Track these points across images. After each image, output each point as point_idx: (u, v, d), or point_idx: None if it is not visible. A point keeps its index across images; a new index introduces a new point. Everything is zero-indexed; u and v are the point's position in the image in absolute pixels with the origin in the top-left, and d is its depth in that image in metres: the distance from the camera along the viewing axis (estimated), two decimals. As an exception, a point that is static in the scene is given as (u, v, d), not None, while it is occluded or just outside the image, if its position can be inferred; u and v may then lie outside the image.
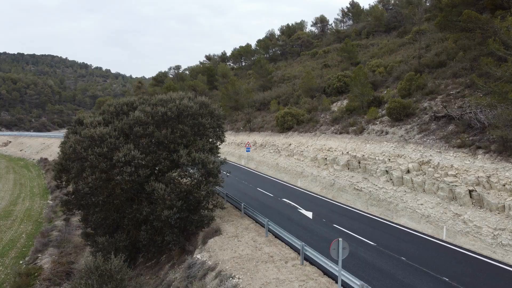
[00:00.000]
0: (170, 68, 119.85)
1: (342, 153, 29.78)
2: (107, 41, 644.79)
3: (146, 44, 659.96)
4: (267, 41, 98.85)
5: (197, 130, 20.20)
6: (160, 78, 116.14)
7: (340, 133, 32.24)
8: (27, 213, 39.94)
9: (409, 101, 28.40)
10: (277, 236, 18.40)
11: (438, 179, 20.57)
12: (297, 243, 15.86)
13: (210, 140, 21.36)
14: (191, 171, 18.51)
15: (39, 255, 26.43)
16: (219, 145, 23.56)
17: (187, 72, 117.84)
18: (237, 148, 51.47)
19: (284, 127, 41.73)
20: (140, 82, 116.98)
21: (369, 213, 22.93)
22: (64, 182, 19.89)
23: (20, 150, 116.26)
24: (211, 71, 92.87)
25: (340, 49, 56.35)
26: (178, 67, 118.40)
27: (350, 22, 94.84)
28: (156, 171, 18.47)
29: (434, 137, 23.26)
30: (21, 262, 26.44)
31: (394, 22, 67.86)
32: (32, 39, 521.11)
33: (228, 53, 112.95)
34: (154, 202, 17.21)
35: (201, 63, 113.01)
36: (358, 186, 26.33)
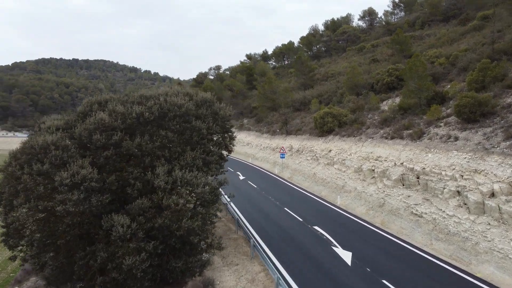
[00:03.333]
0: (210, 69, 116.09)
1: (395, 164, 23.13)
2: (156, 45, 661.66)
3: (193, 47, 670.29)
4: (310, 38, 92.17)
5: (189, 137, 14.63)
6: (200, 79, 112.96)
7: (392, 138, 25.51)
8: None
9: (486, 96, 21.27)
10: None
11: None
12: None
13: (211, 150, 15.66)
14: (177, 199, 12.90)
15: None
16: (227, 156, 17.91)
17: (227, 72, 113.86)
18: (272, 154, 45.69)
19: (323, 129, 35.39)
20: (179, 83, 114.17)
21: (434, 255, 16.28)
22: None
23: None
24: (250, 70, 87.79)
25: (391, 41, 48.89)
26: (218, 67, 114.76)
27: (402, 14, 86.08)
28: (123, 198, 13.10)
29: (530, 145, 16.23)
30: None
31: (453, 10, 59.47)
32: (87, 45, 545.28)
33: (270, 52, 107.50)
34: (114, 243, 11.85)
35: (241, 62, 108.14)
36: (417, 210, 19.65)
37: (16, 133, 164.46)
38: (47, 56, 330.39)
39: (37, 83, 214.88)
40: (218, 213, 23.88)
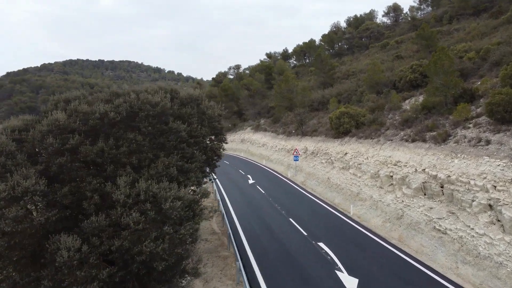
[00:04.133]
0: (230, 68, 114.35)
1: (416, 170, 20.36)
2: (180, 46, 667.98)
3: (218, 48, 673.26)
4: (332, 35, 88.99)
5: (164, 141, 12.48)
6: (219, 79, 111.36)
7: (413, 140, 22.70)
8: None
9: (524, 93, 18.25)
10: None
11: None
12: None
13: (192, 156, 13.43)
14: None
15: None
16: (216, 161, 15.68)
17: (247, 72, 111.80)
18: (286, 156, 43.26)
19: (339, 131, 32.71)
20: (198, 83, 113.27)
21: (460, 285, 13.57)
22: None
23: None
24: (269, 69, 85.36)
25: (416, 36, 45.56)
26: (237, 67, 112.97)
27: (429, 9, 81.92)
28: (79, 214, 11.02)
29: None
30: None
31: (484, 3, 55.51)
32: (112, 47, 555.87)
33: (291, 51, 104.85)
34: (59, 270, 9.81)
35: (261, 61, 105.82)
36: (440, 226, 16.92)
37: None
38: (74, 58, 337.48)
39: (63, 84, 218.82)
40: (214, 226, 21.83)
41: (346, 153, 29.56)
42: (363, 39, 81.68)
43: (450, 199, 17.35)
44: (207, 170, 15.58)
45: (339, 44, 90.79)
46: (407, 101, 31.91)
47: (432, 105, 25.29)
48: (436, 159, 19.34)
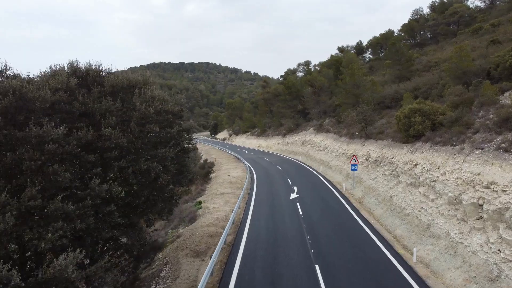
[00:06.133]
0: (299, 65, 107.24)
1: (522, 199, 12.53)
2: (259, 46, 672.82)
3: (296, 47, 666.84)
4: (413, 23, 78.16)
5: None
6: (287, 76, 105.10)
7: (518, 150, 14.70)
8: None
9: None
10: None
11: None
12: None
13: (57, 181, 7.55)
14: None
15: None
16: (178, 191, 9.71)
17: (317, 68, 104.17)
18: (346, 162, 35.97)
19: (408, 133, 24.91)
20: (265, 81, 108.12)
21: None
22: None
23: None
24: (339, 64, 77.10)
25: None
26: (307, 63, 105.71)
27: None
28: None
29: None
30: None
31: None
32: (193, 49, 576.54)
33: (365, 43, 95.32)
34: None
35: (331, 56, 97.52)
36: None
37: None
38: (157, 61, 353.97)
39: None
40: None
41: (416, 164, 21.88)
42: (450, 26, 70.18)
43: None
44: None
45: (421, 33, 79.74)
46: (506, 94, 23.26)
47: (549, 96, 16.85)
48: (562, 185, 11.41)
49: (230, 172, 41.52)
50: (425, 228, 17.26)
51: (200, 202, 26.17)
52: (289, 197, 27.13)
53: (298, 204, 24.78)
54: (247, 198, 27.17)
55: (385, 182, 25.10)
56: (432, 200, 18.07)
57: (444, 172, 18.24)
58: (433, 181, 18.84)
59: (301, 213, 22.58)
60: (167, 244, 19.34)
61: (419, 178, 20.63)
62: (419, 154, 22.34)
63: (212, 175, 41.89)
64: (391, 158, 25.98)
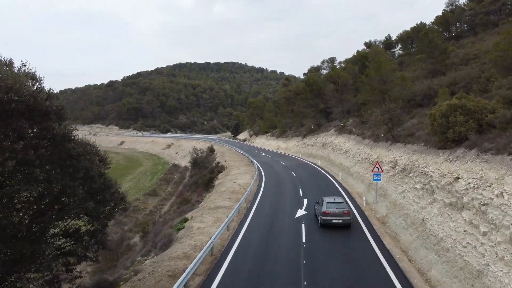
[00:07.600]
0: (323, 62, 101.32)
1: None
2: (286, 46, 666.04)
3: (325, 46, 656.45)
4: (448, 15, 71.21)
5: None
6: (311, 74, 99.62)
7: None
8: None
9: None
10: None
11: None
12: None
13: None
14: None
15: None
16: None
17: (343, 65, 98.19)
18: (369, 170, 30.60)
19: (447, 136, 19.41)
20: (287, 79, 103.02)
21: None
22: None
23: (176, 153, 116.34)
24: (366, 59, 71.13)
25: None
26: (332, 60, 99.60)
27: None
28: None
29: None
30: None
31: None
32: (219, 49, 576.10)
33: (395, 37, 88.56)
34: None
35: (357, 51, 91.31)
36: None
37: (144, 133, 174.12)
38: (183, 61, 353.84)
39: (167, 86, 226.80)
40: None
41: (457, 178, 16.51)
42: (490, 16, 63.07)
43: None
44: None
45: (457, 25, 72.70)
46: None
47: None
48: None
49: (237, 178, 36.86)
50: (475, 276, 11.97)
51: (186, 220, 21.54)
52: (295, 214, 22.07)
53: (303, 225, 19.65)
54: (243, 215, 22.34)
55: (416, 199, 19.74)
56: (484, 234, 12.73)
57: (501, 193, 12.88)
58: (483, 205, 13.48)
59: (304, 240, 17.45)
60: (120, 284, 14.69)
61: (462, 197, 15.27)
62: (461, 164, 16.92)
63: (216, 182, 37.29)
64: (424, 168, 20.59)
